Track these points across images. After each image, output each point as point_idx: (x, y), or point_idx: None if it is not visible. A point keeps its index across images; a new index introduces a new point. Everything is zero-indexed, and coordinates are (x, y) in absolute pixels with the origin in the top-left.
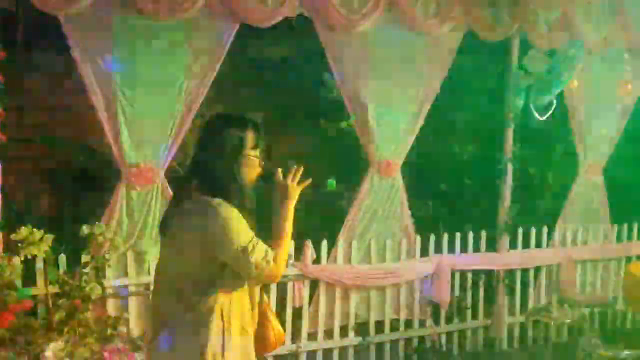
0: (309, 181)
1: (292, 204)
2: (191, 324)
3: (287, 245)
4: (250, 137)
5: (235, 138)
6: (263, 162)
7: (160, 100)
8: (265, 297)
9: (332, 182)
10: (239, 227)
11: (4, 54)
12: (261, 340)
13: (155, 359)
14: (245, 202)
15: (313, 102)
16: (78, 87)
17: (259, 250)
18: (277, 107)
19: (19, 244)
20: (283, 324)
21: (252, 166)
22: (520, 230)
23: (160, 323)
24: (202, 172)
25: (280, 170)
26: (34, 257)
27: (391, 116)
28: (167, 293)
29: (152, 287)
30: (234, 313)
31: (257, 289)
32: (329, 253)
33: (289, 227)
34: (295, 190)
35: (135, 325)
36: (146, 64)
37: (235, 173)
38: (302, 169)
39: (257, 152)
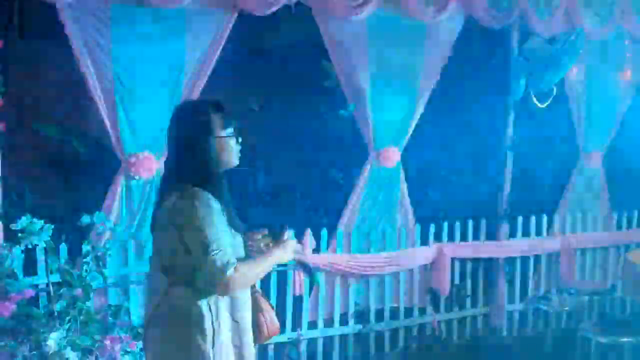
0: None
1: (277, 261)
2: (177, 319)
3: (253, 273)
4: (216, 118)
5: (202, 122)
6: (240, 140)
7: (159, 89)
8: (256, 286)
9: (317, 278)
10: (211, 220)
11: (1, 43)
12: (254, 330)
13: (147, 348)
14: (223, 184)
15: (312, 91)
16: (76, 76)
17: (221, 257)
18: (276, 96)
19: (19, 234)
20: (283, 312)
21: (227, 147)
22: (520, 219)
23: (153, 314)
24: (178, 163)
25: (288, 233)
26: (35, 246)
27: (390, 104)
28: (155, 284)
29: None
30: (223, 307)
31: None
32: (328, 242)
33: (265, 265)
34: (288, 256)
35: (136, 314)
36: (144, 52)
37: (210, 158)
38: (287, 231)
39: (228, 132)
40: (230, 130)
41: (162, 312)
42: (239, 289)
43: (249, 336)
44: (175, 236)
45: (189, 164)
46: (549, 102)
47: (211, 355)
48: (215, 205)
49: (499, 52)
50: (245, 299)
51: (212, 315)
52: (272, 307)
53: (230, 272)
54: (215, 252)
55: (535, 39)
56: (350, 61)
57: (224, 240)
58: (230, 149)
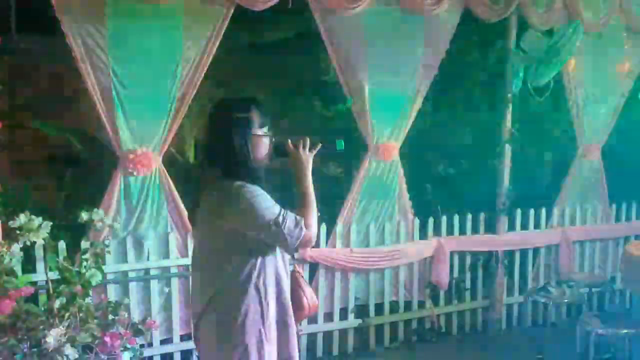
0: (319, 146)
1: (308, 171)
2: (231, 303)
3: (314, 209)
4: (255, 116)
5: (242, 120)
6: (273, 139)
7: (156, 84)
8: (295, 264)
9: (340, 142)
10: (266, 203)
11: None
12: (295, 307)
13: (203, 338)
14: (262, 179)
15: (310, 85)
16: (73, 72)
17: (290, 220)
18: (273, 90)
19: (18, 231)
20: None
21: (262, 144)
22: (518, 212)
23: (202, 305)
24: (217, 158)
25: (290, 142)
26: (33, 244)
27: (388, 98)
28: (205, 277)
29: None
30: (269, 283)
31: (287, 258)
32: (327, 236)
33: (310, 192)
34: (308, 158)
35: (135, 310)
36: (141, 47)
37: (248, 153)
38: (308, 139)
39: (265, 130)
40: (266, 128)
41: (218, 298)
42: (316, 228)
43: (290, 314)
44: (228, 229)
45: (231, 160)
46: (547, 94)
47: (263, 332)
48: (263, 192)
49: (496, 45)
50: (287, 279)
51: (260, 296)
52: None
53: (302, 223)
54: (283, 221)
55: (533, 32)
56: (348, 55)
57: (278, 206)
58: (264, 147)
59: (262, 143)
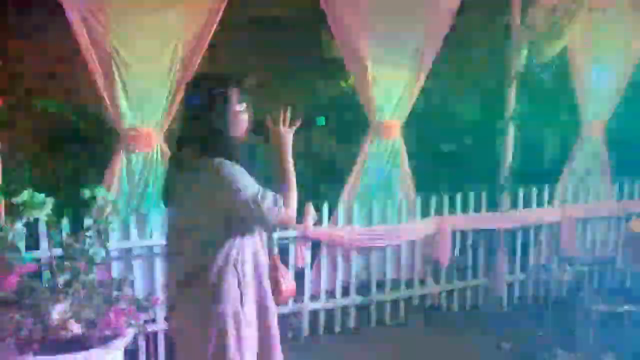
0: (298, 123)
1: (288, 148)
2: (209, 283)
3: (293, 188)
4: (233, 92)
5: (219, 95)
6: (251, 115)
7: (157, 61)
8: (274, 248)
9: (321, 118)
10: (244, 181)
11: None
12: (273, 292)
13: (178, 322)
14: (241, 156)
15: (312, 62)
16: (74, 50)
17: (268, 198)
18: (275, 67)
19: (21, 208)
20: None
21: (241, 120)
22: (521, 189)
23: (178, 287)
24: (194, 135)
25: (270, 118)
26: (36, 220)
27: (391, 75)
28: (181, 257)
29: (165, 254)
30: (248, 265)
31: (265, 241)
32: (330, 215)
33: (289, 170)
34: (288, 134)
35: (139, 287)
36: (141, 24)
37: (225, 130)
38: (288, 110)
39: (243, 106)
40: (244, 104)
41: (195, 275)
42: (295, 204)
43: (270, 297)
44: (206, 206)
45: (207, 137)
46: (551, 71)
47: (242, 314)
48: (242, 169)
49: (500, 21)
50: (266, 261)
51: (238, 278)
52: (287, 270)
53: (281, 202)
54: (261, 199)
55: (537, 8)
56: (350, 30)
57: (256, 184)
58: (243, 123)
59: (241, 119)
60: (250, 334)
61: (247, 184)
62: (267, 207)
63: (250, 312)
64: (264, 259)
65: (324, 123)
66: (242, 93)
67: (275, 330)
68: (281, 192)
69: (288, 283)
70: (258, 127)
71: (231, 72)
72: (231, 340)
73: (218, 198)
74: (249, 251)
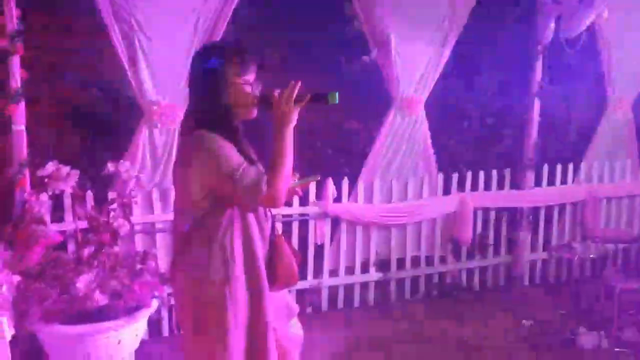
0: (307, 98)
1: (289, 126)
2: (194, 257)
3: (284, 168)
4: (232, 64)
5: (215, 66)
6: (258, 88)
7: (178, 36)
8: (277, 229)
9: (334, 94)
10: (225, 154)
11: None
12: (269, 276)
13: (174, 289)
14: (236, 130)
15: (334, 37)
16: (98, 24)
17: (248, 175)
18: (296, 42)
19: (46, 180)
20: (305, 260)
21: (241, 93)
22: (545, 167)
23: (173, 257)
24: (192, 106)
25: (277, 92)
26: (62, 193)
27: (415, 50)
28: (175, 227)
29: None
30: (237, 246)
31: (266, 221)
32: (350, 191)
33: (285, 149)
34: (290, 111)
35: (162, 260)
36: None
37: (220, 103)
38: (298, 85)
39: (244, 78)
40: (246, 77)
41: (184, 250)
42: (284, 186)
43: (263, 279)
44: (189, 177)
45: (203, 110)
46: (578, 46)
47: (228, 291)
48: (226, 142)
49: None
50: (260, 240)
51: (225, 254)
52: (295, 254)
53: (263, 181)
54: (240, 175)
55: None
56: (373, 4)
57: (239, 159)
58: (244, 96)
59: (242, 92)
60: (236, 310)
61: (227, 157)
62: (246, 184)
63: (236, 289)
64: (257, 238)
65: (336, 101)
66: (245, 64)
67: (268, 317)
68: (269, 171)
69: (286, 269)
70: (266, 102)
71: (230, 43)
72: (214, 314)
73: (199, 171)
74: (238, 228)
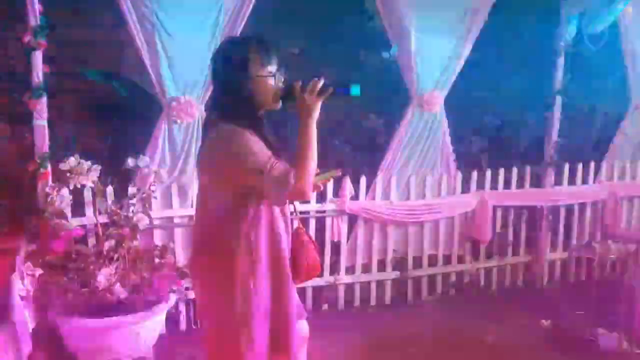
0: (329, 91)
1: (312, 118)
2: (220, 250)
3: (310, 161)
4: (255, 56)
5: (238, 60)
6: (282, 80)
7: (198, 31)
8: (301, 224)
9: (356, 87)
10: (253, 150)
11: None
12: (293, 268)
13: (194, 283)
14: (260, 123)
15: (354, 32)
16: (119, 19)
17: (278, 170)
18: (315, 38)
19: (68, 174)
20: (321, 257)
21: (265, 86)
22: (566, 166)
23: (195, 249)
24: (216, 100)
25: (299, 84)
26: (83, 187)
27: (435, 46)
28: (199, 222)
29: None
30: (262, 240)
31: (289, 216)
32: (367, 189)
33: (310, 142)
34: (314, 104)
35: (181, 254)
36: None
37: (243, 96)
38: (322, 81)
39: (267, 70)
40: (270, 69)
41: (209, 243)
42: (310, 178)
43: (287, 272)
44: (218, 173)
45: (228, 103)
46: (602, 43)
47: (252, 283)
48: (255, 137)
49: None
50: (285, 233)
51: (251, 247)
52: (316, 247)
53: (291, 175)
54: (269, 170)
55: None
56: None
57: (267, 154)
58: (268, 89)
59: (265, 85)
60: (259, 302)
61: (256, 152)
62: (275, 178)
63: (260, 283)
64: (282, 231)
65: (358, 93)
66: (265, 57)
67: (291, 308)
68: (295, 165)
69: (310, 261)
70: (289, 94)
71: (252, 35)
72: (238, 309)
73: (225, 165)
74: (264, 221)
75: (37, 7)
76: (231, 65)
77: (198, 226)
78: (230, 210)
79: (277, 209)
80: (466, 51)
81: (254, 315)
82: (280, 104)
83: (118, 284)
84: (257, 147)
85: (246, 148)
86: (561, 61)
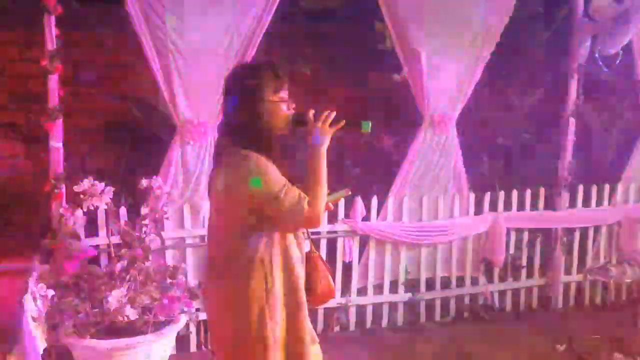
0: (342, 123)
1: (324, 147)
2: (235, 276)
3: (322, 188)
4: (268, 82)
5: (252, 85)
6: (293, 105)
7: (213, 54)
8: (314, 248)
9: (367, 124)
10: (268, 176)
11: (61, 10)
12: (308, 293)
13: (208, 308)
14: (275, 149)
15: (365, 54)
16: (133, 42)
17: (291, 196)
18: (327, 59)
19: (82, 196)
20: (332, 278)
21: (277, 111)
22: (580, 188)
23: (209, 275)
24: (230, 126)
25: (312, 112)
26: (96, 208)
27: (446, 67)
28: (214, 246)
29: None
30: (277, 264)
31: (303, 240)
32: (379, 210)
33: (321, 169)
34: (326, 133)
35: (192, 275)
36: (197, 18)
37: (259, 121)
38: (334, 113)
39: (279, 96)
40: (282, 94)
41: (223, 268)
42: (322, 208)
43: (301, 297)
44: (232, 198)
45: (240, 128)
46: (615, 64)
47: (267, 308)
48: (270, 163)
49: (563, 12)
50: (299, 258)
51: (265, 271)
52: (330, 271)
53: (304, 202)
54: (283, 197)
55: None
56: (405, 22)
57: (282, 180)
58: (280, 114)
59: (277, 110)
60: (274, 327)
61: (271, 178)
62: (289, 204)
63: (274, 308)
64: (297, 255)
65: (369, 129)
66: (278, 83)
67: (306, 333)
68: (308, 192)
69: (324, 286)
70: (296, 118)
71: (265, 61)
72: (254, 331)
73: (241, 191)
74: (279, 246)
75: (54, 31)
76: (244, 90)
77: (212, 250)
78: (244, 235)
79: (290, 235)
80: (477, 73)
81: (268, 340)
82: (290, 129)
83: (128, 305)
84: (274, 172)
85: (264, 174)
86: (574, 83)
